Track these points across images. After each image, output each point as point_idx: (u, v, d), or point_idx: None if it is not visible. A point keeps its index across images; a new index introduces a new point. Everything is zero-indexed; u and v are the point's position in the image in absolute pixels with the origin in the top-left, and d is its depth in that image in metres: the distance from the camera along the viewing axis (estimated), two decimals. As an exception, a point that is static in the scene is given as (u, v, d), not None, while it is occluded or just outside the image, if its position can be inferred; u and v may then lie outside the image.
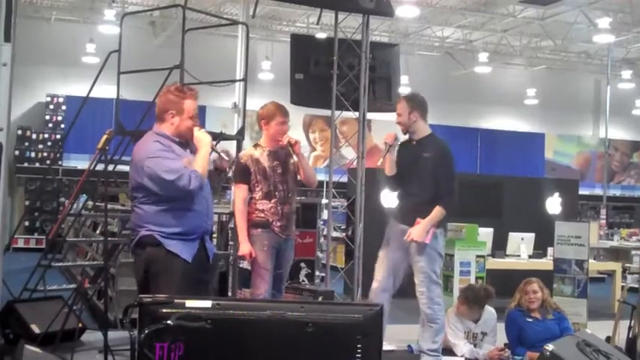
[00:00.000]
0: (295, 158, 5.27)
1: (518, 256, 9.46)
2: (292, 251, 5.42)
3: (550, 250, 8.80)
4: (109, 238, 7.16)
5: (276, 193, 5.20)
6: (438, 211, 5.42)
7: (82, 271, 9.58)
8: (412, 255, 5.48)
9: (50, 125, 17.45)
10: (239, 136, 7.24)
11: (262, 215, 5.18)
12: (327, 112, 7.83)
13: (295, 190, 5.38)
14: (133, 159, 4.14)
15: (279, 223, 5.18)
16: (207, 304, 2.67)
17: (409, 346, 6.45)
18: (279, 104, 5.35)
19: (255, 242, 5.12)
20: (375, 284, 5.58)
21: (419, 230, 5.37)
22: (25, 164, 16.98)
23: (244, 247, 5.10)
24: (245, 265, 6.41)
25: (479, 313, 6.33)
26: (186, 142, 4.21)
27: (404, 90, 17.19)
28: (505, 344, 6.29)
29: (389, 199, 6.63)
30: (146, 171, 4.00)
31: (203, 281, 4.26)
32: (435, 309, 5.50)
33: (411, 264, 5.54)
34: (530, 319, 6.22)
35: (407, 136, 5.74)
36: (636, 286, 10.48)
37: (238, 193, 5.25)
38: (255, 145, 5.36)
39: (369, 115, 7.83)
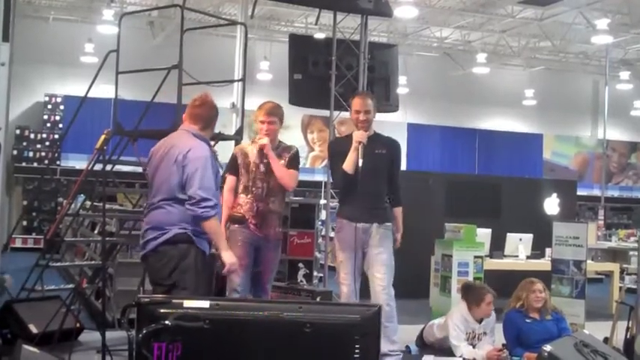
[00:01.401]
0: (282, 160, 5.20)
1: (517, 256, 9.46)
2: (275, 253, 5.31)
3: (548, 250, 8.81)
4: (107, 238, 7.16)
5: (253, 189, 5.17)
6: (401, 211, 5.64)
7: (80, 271, 9.58)
8: (373, 249, 5.43)
9: (48, 125, 17.43)
10: (237, 137, 7.24)
11: (241, 211, 5.16)
12: (325, 113, 7.85)
13: (280, 191, 5.26)
14: (179, 154, 4.27)
15: (254, 221, 5.15)
16: (205, 304, 2.67)
17: (407, 346, 6.46)
18: (266, 103, 5.27)
19: (231, 238, 5.04)
20: (345, 289, 5.46)
21: (400, 236, 5.61)
22: (23, 164, 16.97)
23: (230, 257, 4.46)
24: None
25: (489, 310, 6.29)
26: None
27: (402, 90, 17.22)
28: (503, 345, 6.29)
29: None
30: (190, 166, 4.21)
31: (211, 277, 4.51)
32: (392, 305, 5.42)
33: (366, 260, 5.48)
34: (528, 320, 6.22)
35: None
36: (634, 286, 10.47)
37: (226, 183, 5.25)
38: (253, 141, 5.33)
39: (368, 116, 7.83)
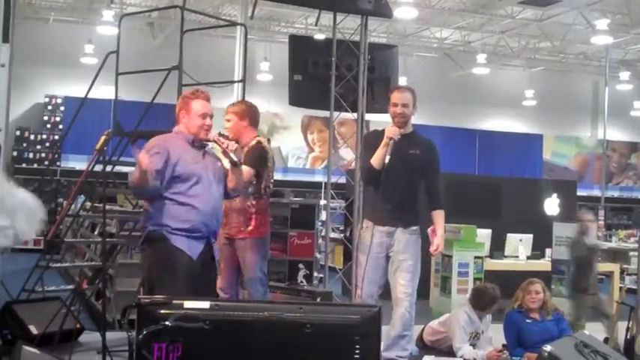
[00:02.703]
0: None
1: (517, 257, 9.45)
2: (242, 252, 5.18)
3: (548, 251, 8.81)
4: (107, 239, 7.16)
5: None
6: (443, 215, 5.25)
7: (80, 271, 9.57)
8: (398, 255, 5.15)
9: (48, 126, 17.45)
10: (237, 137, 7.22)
11: None
12: (325, 113, 7.84)
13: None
14: None
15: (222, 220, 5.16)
16: (205, 305, 2.67)
17: (407, 347, 6.44)
18: None
19: None
20: (359, 291, 5.16)
21: (442, 241, 5.22)
22: (24, 165, 16.96)
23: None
24: None
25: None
26: (200, 142, 4.36)
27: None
28: (503, 345, 6.28)
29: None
30: None
31: (207, 282, 4.33)
32: (412, 314, 5.13)
33: (391, 265, 5.19)
34: (529, 320, 6.20)
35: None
36: (634, 287, 10.47)
37: None
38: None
39: (368, 116, 7.83)
